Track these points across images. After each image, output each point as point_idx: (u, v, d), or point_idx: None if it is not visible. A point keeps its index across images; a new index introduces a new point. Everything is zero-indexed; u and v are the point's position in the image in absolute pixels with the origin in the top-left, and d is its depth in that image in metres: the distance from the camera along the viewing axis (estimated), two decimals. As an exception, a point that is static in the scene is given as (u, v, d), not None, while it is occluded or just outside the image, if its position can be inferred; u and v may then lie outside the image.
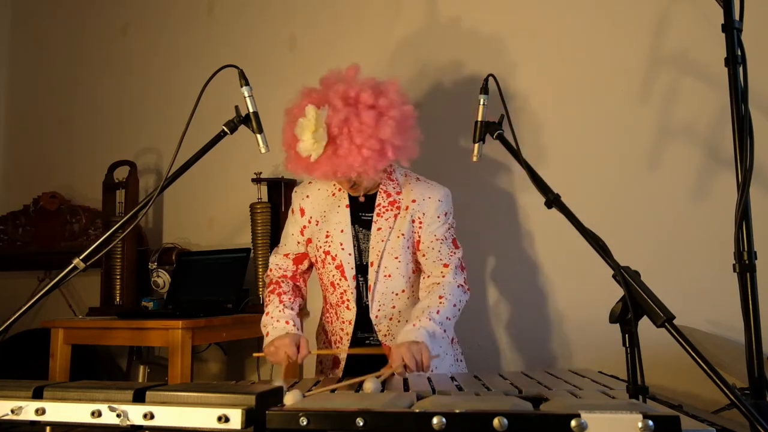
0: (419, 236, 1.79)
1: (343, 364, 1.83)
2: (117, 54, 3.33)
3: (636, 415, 0.74)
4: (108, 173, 2.94)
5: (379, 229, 1.79)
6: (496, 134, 1.45)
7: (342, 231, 1.80)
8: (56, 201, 3.14)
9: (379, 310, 1.79)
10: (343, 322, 1.82)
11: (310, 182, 1.90)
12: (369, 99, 1.65)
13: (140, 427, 0.88)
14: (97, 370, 2.93)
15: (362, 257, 1.81)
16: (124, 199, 2.88)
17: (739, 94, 1.16)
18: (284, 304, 1.78)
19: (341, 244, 1.79)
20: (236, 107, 1.50)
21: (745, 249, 1.12)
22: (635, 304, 1.05)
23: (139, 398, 0.90)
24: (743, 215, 1.12)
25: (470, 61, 2.46)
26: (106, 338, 2.40)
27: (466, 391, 1.34)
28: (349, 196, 1.83)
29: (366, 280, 1.80)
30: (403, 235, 1.77)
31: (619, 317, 1.08)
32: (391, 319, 1.80)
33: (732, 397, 0.92)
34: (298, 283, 1.90)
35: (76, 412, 0.91)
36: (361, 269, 1.81)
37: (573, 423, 0.75)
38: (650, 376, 1.07)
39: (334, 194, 1.85)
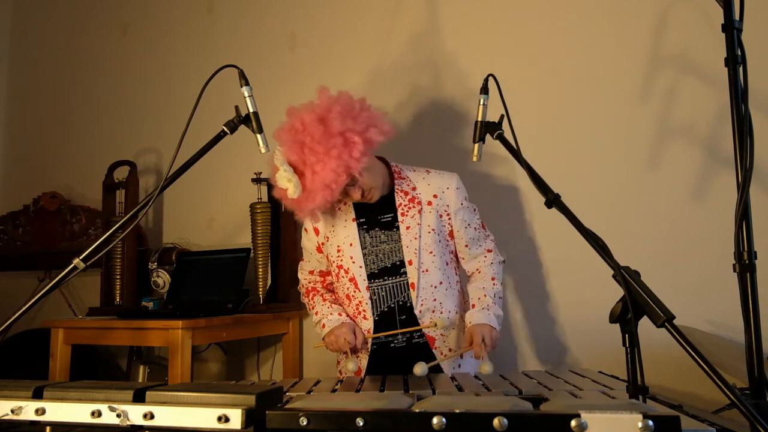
0: (451, 227, 1.90)
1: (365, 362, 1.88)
2: (117, 54, 3.33)
3: (636, 415, 0.74)
4: (108, 173, 2.94)
5: (408, 228, 1.85)
6: (496, 134, 1.44)
7: (351, 245, 1.87)
8: (56, 201, 3.13)
9: (422, 304, 1.86)
10: (362, 331, 1.89)
11: None
12: (308, 116, 1.68)
13: (140, 427, 0.88)
14: (97, 370, 2.93)
15: (386, 259, 1.86)
16: (124, 199, 2.88)
17: (739, 94, 1.16)
18: (329, 301, 1.96)
19: (351, 258, 1.87)
20: (236, 107, 1.50)
21: (745, 249, 1.11)
22: (635, 304, 1.05)
23: (139, 398, 0.90)
24: (743, 215, 1.12)
25: (470, 60, 2.46)
26: (106, 338, 2.40)
27: (466, 391, 1.34)
28: (355, 208, 1.89)
29: (406, 280, 1.85)
30: (433, 230, 1.86)
31: (619, 317, 1.08)
32: (433, 311, 1.87)
33: (732, 397, 0.92)
34: (330, 289, 2.05)
35: (76, 412, 0.91)
36: (383, 273, 1.85)
37: (573, 423, 0.75)
38: (650, 376, 1.07)
39: (339, 208, 1.91)
